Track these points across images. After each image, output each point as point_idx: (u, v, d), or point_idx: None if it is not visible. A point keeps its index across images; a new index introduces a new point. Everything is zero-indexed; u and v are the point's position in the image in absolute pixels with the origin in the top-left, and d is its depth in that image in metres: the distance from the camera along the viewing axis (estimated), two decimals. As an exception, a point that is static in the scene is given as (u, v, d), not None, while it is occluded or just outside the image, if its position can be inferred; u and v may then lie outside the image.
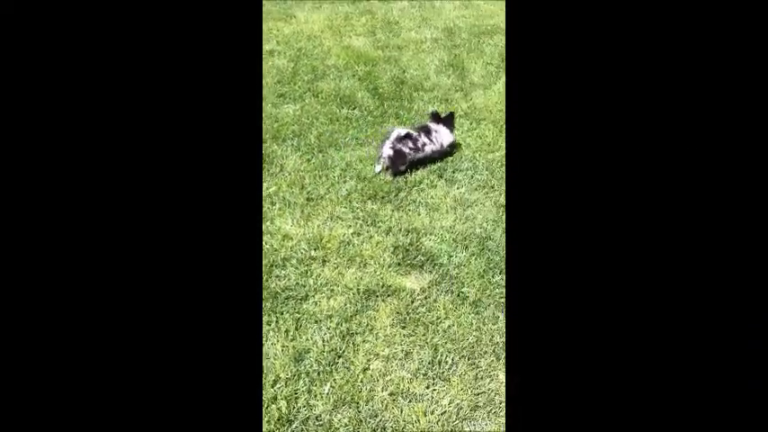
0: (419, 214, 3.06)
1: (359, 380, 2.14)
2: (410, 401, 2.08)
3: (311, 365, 2.19)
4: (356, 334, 2.34)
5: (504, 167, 3.44)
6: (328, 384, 2.12)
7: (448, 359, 2.23)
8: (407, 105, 4.15)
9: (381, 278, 2.61)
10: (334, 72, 4.66)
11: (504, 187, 3.27)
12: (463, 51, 5.03)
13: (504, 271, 2.65)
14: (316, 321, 2.38)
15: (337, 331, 2.34)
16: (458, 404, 2.08)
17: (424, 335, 2.34)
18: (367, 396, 2.09)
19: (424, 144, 3.44)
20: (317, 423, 2.00)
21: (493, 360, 2.25)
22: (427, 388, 2.13)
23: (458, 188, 3.28)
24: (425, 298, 2.52)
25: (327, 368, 2.18)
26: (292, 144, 3.66)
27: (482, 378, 2.18)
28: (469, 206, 3.14)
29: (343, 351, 2.26)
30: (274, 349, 2.25)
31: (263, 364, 2.19)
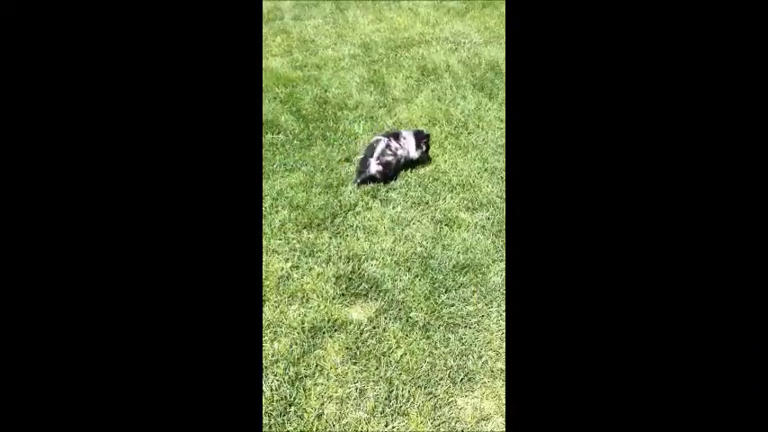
0: (358, 239, 2.98)
1: (314, 428, 2.02)
2: (370, 443, 1.99)
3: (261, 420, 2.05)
4: (306, 377, 2.21)
5: (436, 182, 3.44)
6: (282, 438, 1.99)
7: (404, 392, 2.16)
8: (333, 126, 4.06)
9: (326, 312, 2.50)
10: (254, 96, 4.49)
11: (438, 203, 3.26)
12: (382, 66, 5.02)
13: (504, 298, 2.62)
14: (262, 368, 2.24)
15: (286, 377, 2.20)
16: (420, 438, 2.01)
17: (376, 368, 2.26)
18: (325, 444, 1.98)
19: (397, 148, 3.46)
20: (274, 483, 1.86)
21: (449, 386, 2.20)
22: (386, 426, 2.05)
23: (393, 207, 3.23)
24: (374, 328, 2.44)
25: (279, 420, 2.05)
26: (216, 177, 3.47)
27: (440, 407, 2.12)
28: (407, 225, 3.10)
29: (294, 398, 2.13)
30: (219, 407, 2.09)
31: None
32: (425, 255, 2.86)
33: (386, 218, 3.15)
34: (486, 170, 3.55)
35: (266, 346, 2.34)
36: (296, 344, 2.35)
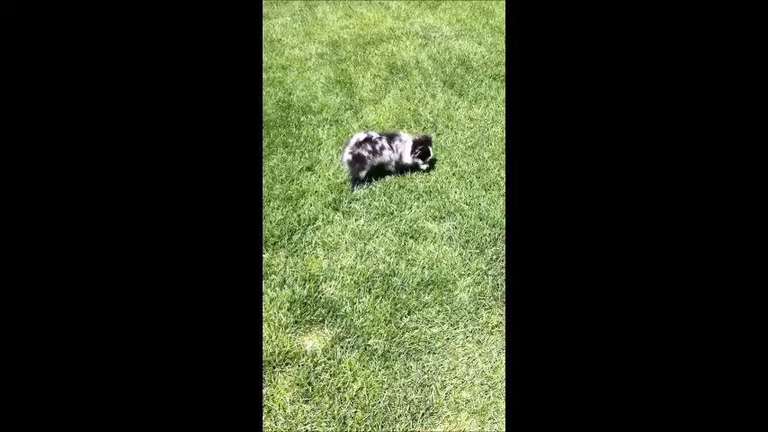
0: (316, 257, 2.79)
1: (257, 482, 1.84)
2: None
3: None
4: (252, 421, 2.02)
5: (401, 190, 3.24)
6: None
7: (358, 433, 1.98)
8: (296, 132, 3.85)
9: (278, 344, 2.31)
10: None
11: (404, 212, 3.06)
12: (350, 65, 4.80)
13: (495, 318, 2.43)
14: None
15: (229, 422, 2.01)
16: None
17: (330, 407, 2.07)
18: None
19: (383, 148, 3.26)
20: None
21: (409, 423, 2.02)
22: (338, 474, 1.87)
23: (356, 220, 3.03)
24: (329, 360, 2.25)
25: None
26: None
27: (398, 449, 1.94)
28: (370, 239, 2.90)
29: (238, 446, 1.94)
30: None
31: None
32: (388, 272, 2.67)
33: (347, 232, 2.95)
34: (454, 174, 3.35)
35: (212, 384, 2.14)
36: (243, 382, 2.16)
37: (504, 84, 4.38)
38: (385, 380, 2.16)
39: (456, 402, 2.10)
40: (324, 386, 2.14)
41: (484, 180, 3.30)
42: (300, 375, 2.18)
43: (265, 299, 2.53)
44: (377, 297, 2.53)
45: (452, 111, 4.03)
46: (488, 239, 2.85)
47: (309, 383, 2.15)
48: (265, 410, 2.06)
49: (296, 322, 2.41)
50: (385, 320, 2.41)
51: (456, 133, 3.76)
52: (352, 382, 2.16)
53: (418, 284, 2.60)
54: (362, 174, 3.26)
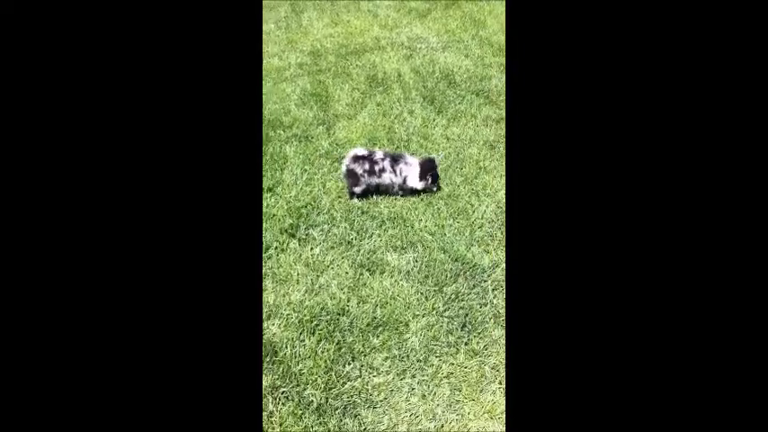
0: (264, 290, 2.59)
1: None
2: None
3: None
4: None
5: (364, 216, 3.03)
6: None
7: (276, 504, 1.78)
8: (263, 149, 3.66)
9: (205, 392, 2.11)
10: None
11: (363, 242, 2.86)
12: (329, 77, 4.61)
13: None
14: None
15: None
16: None
17: (250, 470, 1.87)
18: None
19: (383, 170, 3.09)
20: None
21: (334, 493, 1.81)
22: None
23: (311, 249, 2.83)
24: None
25: None
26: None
27: None
28: (324, 271, 2.70)
29: None
30: None
31: None
32: (337, 311, 2.47)
33: (300, 262, 2.75)
34: (422, 200, 3.14)
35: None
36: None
37: (486, 101, 4.17)
38: (316, 438, 1.96)
39: (392, 467, 1.89)
40: (247, 445, 1.94)
41: (452, 207, 3.08)
42: None
43: (200, 338, 2.34)
44: (320, 340, 2.33)
45: (429, 129, 3.82)
46: (449, 275, 2.64)
47: (232, 441, 1.95)
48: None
49: (229, 367, 2.22)
50: (325, 368, 2.21)
51: (429, 153, 3.55)
52: (280, 440, 1.96)
53: (368, 325, 2.39)
54: (357, 189, 3.11)
